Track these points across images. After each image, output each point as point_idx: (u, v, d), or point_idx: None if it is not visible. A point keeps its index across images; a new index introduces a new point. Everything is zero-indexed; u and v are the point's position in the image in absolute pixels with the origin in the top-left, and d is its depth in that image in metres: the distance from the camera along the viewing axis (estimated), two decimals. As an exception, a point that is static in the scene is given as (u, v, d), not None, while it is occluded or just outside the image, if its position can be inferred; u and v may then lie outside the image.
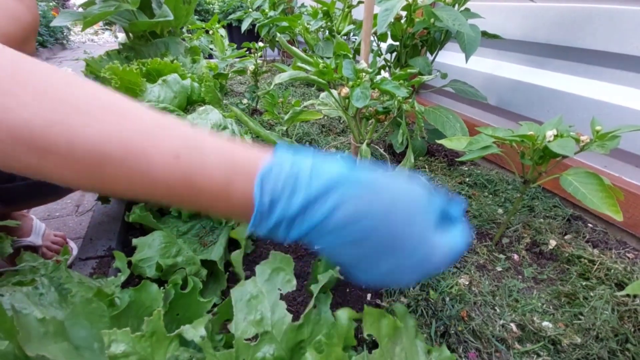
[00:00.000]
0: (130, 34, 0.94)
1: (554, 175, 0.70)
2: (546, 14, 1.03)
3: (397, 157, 1.26)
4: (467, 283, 0.74)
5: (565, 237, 0.89)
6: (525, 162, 0.69)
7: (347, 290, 0.72)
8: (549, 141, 0.63)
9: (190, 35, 1.86)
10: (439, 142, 0.83)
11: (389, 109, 0.52)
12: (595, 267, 0.75)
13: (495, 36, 1.03)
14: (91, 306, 0.34)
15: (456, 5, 1.03)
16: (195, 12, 3.34)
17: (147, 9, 0.95)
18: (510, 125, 1.24)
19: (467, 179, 1.13)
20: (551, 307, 0.68)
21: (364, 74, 0.48)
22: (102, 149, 0.24)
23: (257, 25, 2.13)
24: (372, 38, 1.12)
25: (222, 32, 1.62)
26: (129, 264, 0.62)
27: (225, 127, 0.70)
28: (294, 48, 0.54)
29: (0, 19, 0.41)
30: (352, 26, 1.24)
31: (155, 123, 0.26)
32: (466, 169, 1.20)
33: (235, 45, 1.90)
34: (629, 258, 0.82)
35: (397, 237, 0.25)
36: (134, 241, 0.66)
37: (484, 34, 1.01)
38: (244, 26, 2.35)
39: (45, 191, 0.58)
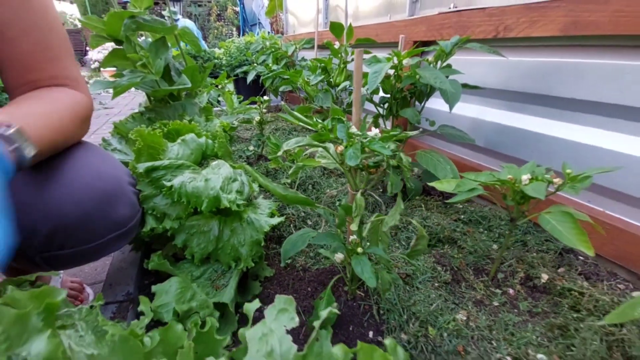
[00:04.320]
0: (152, 98, 1.07)
1: (536, 213, 0.77)
2: (518, 66, 1.16)
3: (394, 199, 1.34)
4: (464, 318, 0.78)
5: (559, 270, 0.93)
6: (508, 203, 0.76)
7: (350, 328, 0.76)
8: (525, 184, 0.70)
9: (201, 89, 2.04)
10: (431, 184, 0.91)
11: (379, 163, 0.61)
12: (585, 299, 0.79)
13: (475, 87, 1.15)
14: (128, 344, 0.40)
15: (438, 62, 1.17)
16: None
17: (167, 76, 1.09)
18: (498, 164, 1.32)
19: (462, 216, 1.19)
20: (545, 340, 0.71)
21: (355, 136, 0.57)
22: None
23: (262, 77, 2.32)
24: (364, 91, 1.25)
25: (230, 87, 1.78)
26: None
27: (235, 180, 0.79)
28: (295, 113, 0.63)
29: (73, 103, 0.60)
30: (347, 82, 1.37)
31: None
32: (461, 206, 1.26)
33: (242, 97, 2.07)
34: (619, 289, 0.85)
35: None
36: (153, 288, 0.73)
37: (465, 86, 1.13)
38: (250, 78, 2.56)
39: (87, 257, 0.63)
